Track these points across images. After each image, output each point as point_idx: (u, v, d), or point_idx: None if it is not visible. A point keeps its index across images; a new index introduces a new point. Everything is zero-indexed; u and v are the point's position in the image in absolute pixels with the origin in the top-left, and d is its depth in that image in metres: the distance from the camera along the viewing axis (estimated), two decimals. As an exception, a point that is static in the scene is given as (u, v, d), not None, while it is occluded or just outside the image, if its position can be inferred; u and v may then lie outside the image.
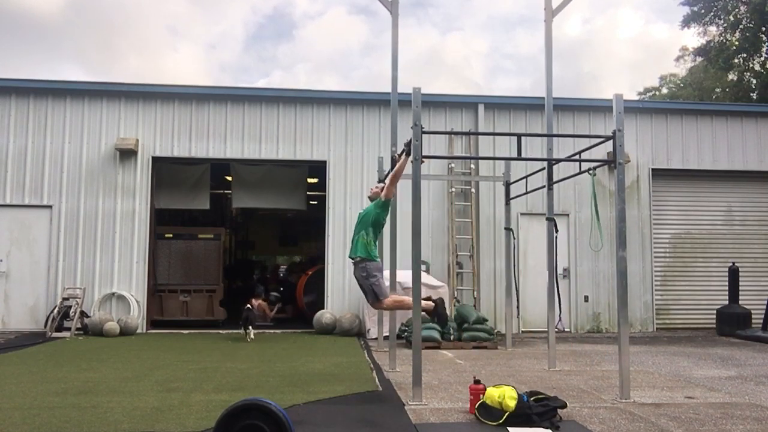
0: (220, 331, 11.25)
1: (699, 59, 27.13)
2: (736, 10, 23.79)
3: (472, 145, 11.82)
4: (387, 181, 6.50)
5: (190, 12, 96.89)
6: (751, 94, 26.00)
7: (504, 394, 4.74)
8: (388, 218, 7.26)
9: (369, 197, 6.77)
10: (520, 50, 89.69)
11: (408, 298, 6.33)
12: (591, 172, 6.65)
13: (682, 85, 32.71)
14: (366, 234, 6.34)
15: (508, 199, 9.15)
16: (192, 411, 5.02)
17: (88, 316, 10.64)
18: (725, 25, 24.23)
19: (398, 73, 7.63)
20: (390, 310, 7.05)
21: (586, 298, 11.77)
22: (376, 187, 6.74)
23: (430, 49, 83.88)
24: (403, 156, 6.21)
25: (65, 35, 76.26)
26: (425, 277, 9.70)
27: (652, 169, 12.19)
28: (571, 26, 74.67)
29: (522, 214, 11.53)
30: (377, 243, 6.48)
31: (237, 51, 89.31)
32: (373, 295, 6.33)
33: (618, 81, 62.16)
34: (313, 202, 15.81)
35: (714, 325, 11.66)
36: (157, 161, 11.45)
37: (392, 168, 7.35)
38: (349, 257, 6.59)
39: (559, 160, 7.68)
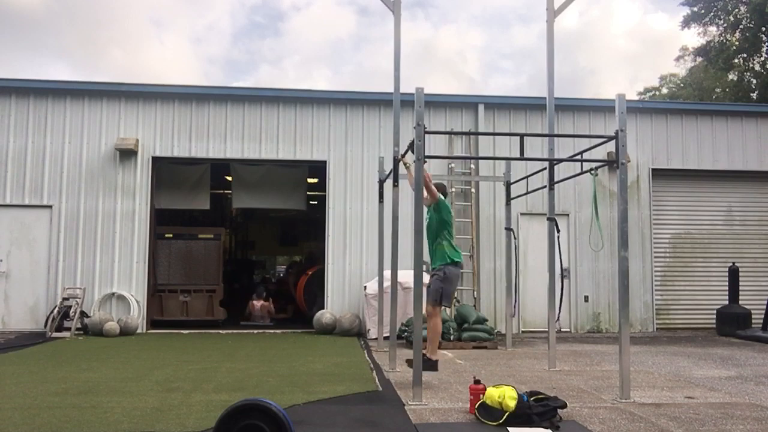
0: (220, 331, 11.25)
1: (699, 59, 27.15)
2: (736, 10, 23.79)
3: (472, 145, 11.82)
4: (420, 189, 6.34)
5: (174, 3, 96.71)
6: (751, 94, 26.01)
7: (504, 394, 4.74)
8: (388, 216, 7.23)
9: (426, 206, 6.70)
10: (517, 43, 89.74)
11: (440, 328, 6.35)
12: (593, 172, 6.64)
13: (682, 85, 32.72)
14: (441, 239, 6.27)
15: (508, 199, 9.15)
16: (192, 411, 5.02)
17: (88, 316, 10.64)
18: (725, 25, 24.24)
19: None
20: (426, 321, 6.53)
21: (586, 298, 11.77)
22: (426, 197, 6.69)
23: (425, 42, 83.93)
24: (408, 157, 6.20)
25: (47, 29, 76.20)
26: (426, 278, 9.68)
27: (652, 169, 12.19)
28: (567, 19, 74.60)
29: (522, 214, 11.53)
30: (452, 241, 6.32)
31: (224, 44, 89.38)
32: (433, 296, 6.20)
33: (616, 76, 62.15)
34: (313, 202, 15.81)
35: (714, 325, 11.65)
36: (157, 161, 11.44)
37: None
38: (432, 269, 6.46)
39: (560, 160, 7.68)
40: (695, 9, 24.26)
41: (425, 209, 5.99)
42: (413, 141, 5.81)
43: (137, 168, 11.25)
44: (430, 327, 6.32)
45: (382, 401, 5.56)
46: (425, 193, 6.31)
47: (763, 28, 23.47)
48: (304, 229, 20.58)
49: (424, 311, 6.21)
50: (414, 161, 5.77)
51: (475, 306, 10.97)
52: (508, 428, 4.56)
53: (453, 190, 11.57)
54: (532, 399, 4.90)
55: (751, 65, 25.40)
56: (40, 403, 5.27)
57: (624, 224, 5.91)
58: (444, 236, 6.29)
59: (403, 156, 7.12)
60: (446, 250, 6.24)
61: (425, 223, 6.35)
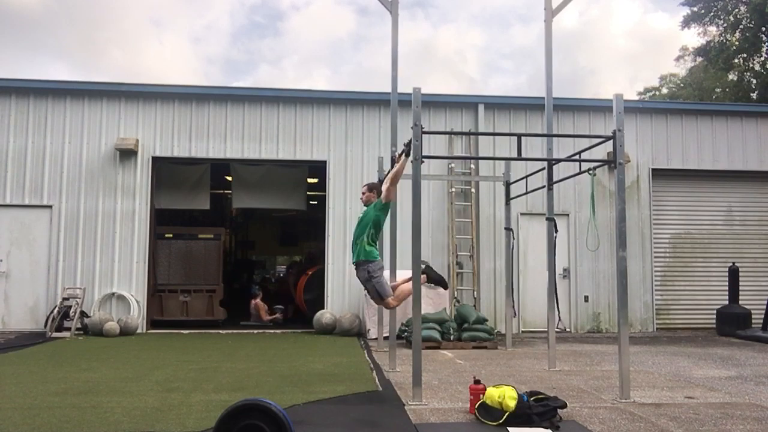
0: (220, 331, 11.25)
1: (699, 59, 27.15)
2: (736, 10, 23.80)
3: (472, 145, 11.82)
4: (386, 181, 6.51)
5: (173, 3, 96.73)
6: (751, 94, 26.01)
7: (504, 394, 4.74)
8: (387, 216, 7.24)
9: (363, 203, 6.76)
10: (517, 43, 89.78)
11: (407, 286, 6.42)
12: (591, 172, 6.64)
13: (682, 85, 32.72)
14: (366, 237, 6.40)
15: (508, 199, 9.15)
16: (192, 411, 5.02)
17: (88, 316, 10.64)
18: (725, 25, 24.25)
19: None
20: (396, 307, 7.01)
21: (586, 298, 11.77)
22: (364, 193, 6.73)
23: (424, 42, 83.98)
24: (402, 157, 6.22)
25: (47, 29, 76.06)
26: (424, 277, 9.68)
27: (652, 169, 12.19)
28: (566, 18, 74.68)
29: (522, 214, 11.53)
30: (377, 242, 6.50)
31: (224, 44, 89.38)
32: (377, 294, 6.42)
33: (616, 76, 62.15)
34: (313, 202, 15.81)
35: (714, 325, 11.66)
36: (157, 161, 11.45)
37: (392, 168, 7.35)
38: (352, 263, 6.62)
39: (559, 160, 7.68)
40: (695, 9, 24.26)
41: (423, 210, 6.01)
42: (410, 141, 5.81)
43: (137, 168, 11.25)
44: (406, 294, 6.41)
45: (382, 401, 5.56)
46: (386, 187, 6.36)
47: (763, 28, 23.47)
48: (304, 229, 20.57)
49: (381, 303, 6.56)
50: (411, 161, 5.78)
51: (475, 306, 10.97)
52: (508, 428, 4.56)
53: (453, 190, 11.58)
54: (532, 399, 4.90)
55: (751, 65, 25.40)
56: (40, 403, 5.27)
57: (622, 224, 5.90)
58: (369, 235, 6.41)
59: (399, 156, 7.13)
60: (365, 248, 6.37)
61: (368, 217, 6.45)
